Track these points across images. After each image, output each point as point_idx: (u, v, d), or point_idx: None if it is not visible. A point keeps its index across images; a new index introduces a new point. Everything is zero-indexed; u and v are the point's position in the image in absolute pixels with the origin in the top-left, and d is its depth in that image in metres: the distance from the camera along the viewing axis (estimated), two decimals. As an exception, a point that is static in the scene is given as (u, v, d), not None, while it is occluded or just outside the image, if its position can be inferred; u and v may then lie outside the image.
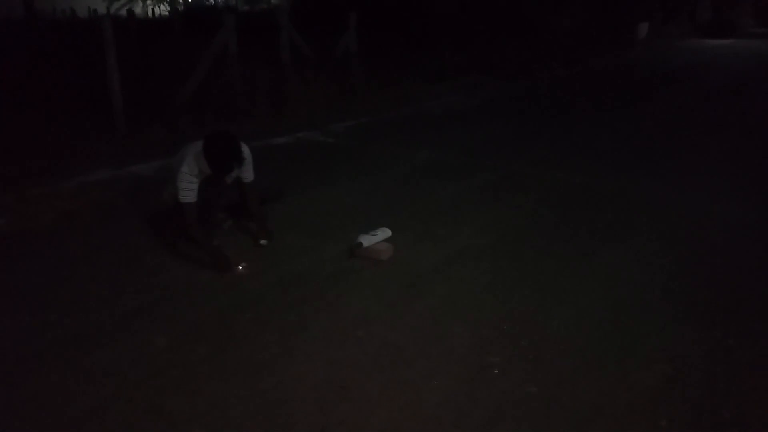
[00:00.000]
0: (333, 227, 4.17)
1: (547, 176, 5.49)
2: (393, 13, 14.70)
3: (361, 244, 3.64)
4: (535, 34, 16.17)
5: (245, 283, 3.35)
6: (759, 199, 4.89)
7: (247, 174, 3.76)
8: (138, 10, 19.37)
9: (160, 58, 9.12)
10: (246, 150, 3.61)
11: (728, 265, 3.65)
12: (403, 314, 3.03)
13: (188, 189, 3.47)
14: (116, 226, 4.18)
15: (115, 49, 6.35)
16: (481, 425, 2.24)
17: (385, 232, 3.81)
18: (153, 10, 21.60)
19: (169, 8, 19.86)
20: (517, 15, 16.28)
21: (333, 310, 3.07)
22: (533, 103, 10.23)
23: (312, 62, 9.47)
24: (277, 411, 2.30)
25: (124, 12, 15.72)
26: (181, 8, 19.70)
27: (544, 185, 5.24)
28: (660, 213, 4.55)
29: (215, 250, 3.54)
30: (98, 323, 2.92)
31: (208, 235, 3.63)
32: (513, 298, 3.19)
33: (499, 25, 15.49)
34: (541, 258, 3.72)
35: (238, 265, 3.47)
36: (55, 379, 2.48)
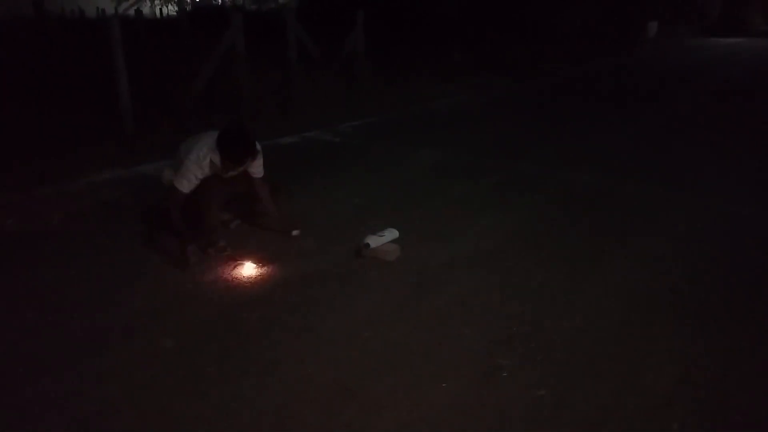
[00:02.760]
0: (340, 228, 4.16)
1: (555, 176, 5.46)
2: (400, 12, 14.67)
3: (368, 244, 3.63)
4: (543, 33, 16.12)
5: (252, 283, 3.34)
6: (770, 200, 4.84)
7: (258, 169, 3.77)
8: (146, 10, 19.43)
9: (168, 59, 9.12)
10: (258, 145, 3.62)
11: (740, 267, 3.61)
12: (411, 316, 3.01)
13: (187, 178, 3.48)
14: (124, 227, 4.17)
15: (123, 50, 6.36)
16: (489, 428, 2.22)
17: (392, 233, 3.79)
18: (161, 10, 21.67)
19: (176, 8, 19.92)
20: (525, 14, 16.23)
21: (340, 311, 3.05)
22: (541, 103, 10.19)
23: (319, 61, 9.47)
24: (284, 413, 2.29)
25: (132, 12, 15.76)
26: (188, 8, 19.75)
27: (553, 186, 5.21)
28: (671, 214, 4.51)
29: (184, 246, 3.52)
30: (105, 324, 2.91)
31: (186, 226, 3.61)
32: (522, 300, 3.17)
33: (506, 24, 15.45)
34: (550, 259, 3.69)
35: (200, 260, 3.51)
36: (62, 380, 2.48)
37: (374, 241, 3.66)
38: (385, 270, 3.51)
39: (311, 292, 3.24)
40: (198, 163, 3.45)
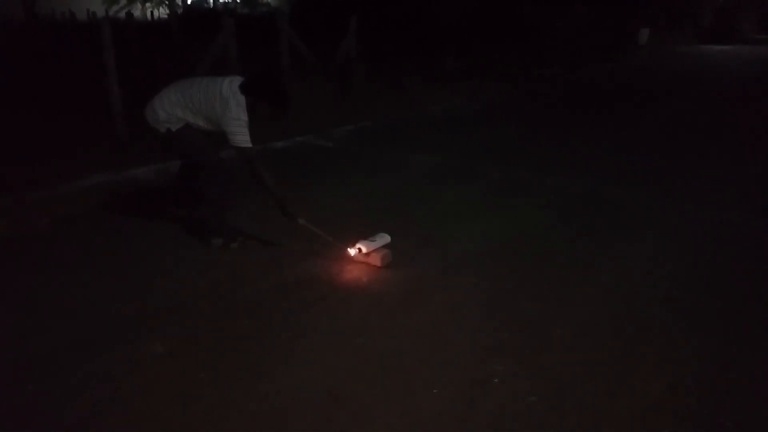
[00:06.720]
0: (332, 232, 4.13)
1: (548, 182, 5.48)
2: (394, 17, 14.69)
3: (360, 249, 3.62)
4: (536, 39, 16.20)
5: (243, 289, 3.32)
6: (760, 206, 4.87)
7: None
8: (137, 12, 19.39)
9: (160, 62, 9.10)
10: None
11: (730, 272, 3.62)
12: (403, 321, 3.00)
13: (244, 132, 3.49)
14: (114, 232, 4.15)
15: (114, 52, 6.32)
16: (481, 435, 2.22)
17: (384, 238, 3.78)
18: (152, 12, 21.64)
19: (167, 11, 19.90)
20: (518, 20, 16.31)
21: (332, 316, 3.04)
22: (534, 108, 10.23)
23: (312, 66, 9.46)
24: (275, 419, 2.27)
25: (123, 14, 15.74)
26: (180, 11, 19.73)
27: (545, 191, 5.23)
28: (661, 220, 4.53)
29: (285, 197, 3.67)
30: (95, 329, 2.89)
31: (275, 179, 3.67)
32: (514, 306, 3.17)
33: (500, 29, 15.52)
34: (543, 265, 3.70)
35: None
36: (51, 385, 2.46)
37: (366, 245, 3.65)
38: (377, 275, 3.51)
39: (303, 298, 3.23)
40: (241, 117, 3.48)
